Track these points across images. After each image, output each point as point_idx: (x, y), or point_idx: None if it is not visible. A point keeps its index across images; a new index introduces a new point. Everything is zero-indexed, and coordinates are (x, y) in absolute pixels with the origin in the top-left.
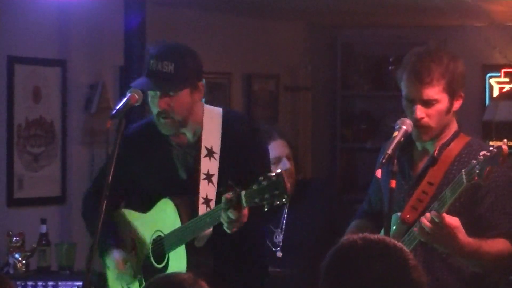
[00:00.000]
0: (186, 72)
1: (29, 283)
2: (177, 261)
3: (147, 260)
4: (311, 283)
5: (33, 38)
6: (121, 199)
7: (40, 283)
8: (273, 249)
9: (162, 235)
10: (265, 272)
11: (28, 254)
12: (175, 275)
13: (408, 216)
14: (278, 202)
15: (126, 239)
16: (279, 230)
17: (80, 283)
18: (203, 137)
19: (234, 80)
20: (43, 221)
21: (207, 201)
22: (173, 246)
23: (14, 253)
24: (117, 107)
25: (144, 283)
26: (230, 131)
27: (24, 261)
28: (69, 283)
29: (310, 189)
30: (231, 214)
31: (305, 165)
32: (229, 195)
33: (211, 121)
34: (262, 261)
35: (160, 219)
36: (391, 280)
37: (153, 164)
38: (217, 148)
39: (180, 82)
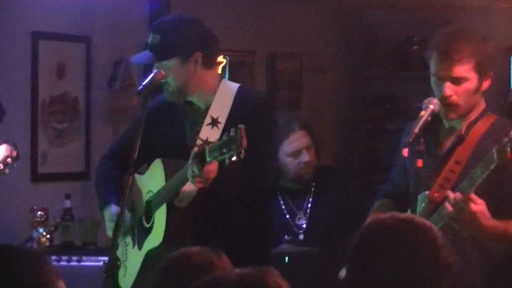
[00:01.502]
0: (173, 42)
1: (53, 257)
2: (159, 220)
3: (140, 220)
4: (334, 264)
5: (57, 14)
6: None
7: (64, 257)
8: (295, 230)
9: (152, 194)
10: (257, 256)
11: (52, 228)
12: (194, 253)
13: (436, 195)
14: (235, 157)
15: (128, 202)
16: (302, 212)
17: (104, 258)
18: (212, 106)
19: (257, 59)
20: (68, 196)
21: None
22: (158, 205)
23: (38, 228)
24: (143, 84)
25: (136, 242)
26: (240, 105)
27: (48, 236)
28: (93, 258)
29: (334, 175)
30: (195, 168)
31: (327, 148)
32: (195, 149)
33: (224, 93)
34: (255, 241)
35: (151, 179)
36: (419, 258)
37: (168, 133)
38: (222, 119)
39: (164, 52)
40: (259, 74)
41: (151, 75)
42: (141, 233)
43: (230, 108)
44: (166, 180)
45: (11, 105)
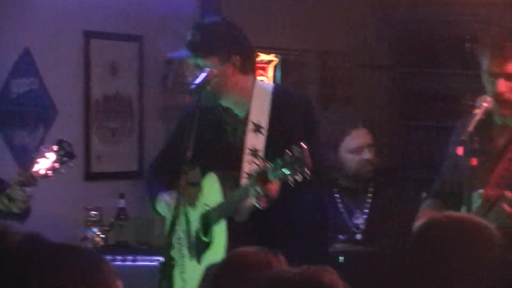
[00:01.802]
0: (213, 41)
1: (108, 257)
2: (219, 235)
3: (197, 234)
4: (391, 265)
5: (109, 13)
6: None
7: (118, 257)
8: (353, 229)
9: (208, 208)
10: (318, 255)
11: (106, 228)
12: (248, 253)
13: (491, 193)
14: (299, 177)
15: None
16: (359, 211)
17: (158, 258)
18: (251, 112)
19: (309, 57)
20: (122, 196)
21: (250, 176)
22: (216, 220)
23: (92, 227)
24: (196, 82)
25: (195, 256)
26: (279, 107)
27: (102, 235)
28: (147, 257)
29: (393, 175)
30: (258, 188)
31: (381, 146)
32: (257, 169)
33: (261, 97)
34: (313, 242)
35: (207, 193)
36: (476, 257)
37: (209, 137)
38: (264, 123)
39: (204, 50)
40: (311, 72)
41: (204, 74)
42: (199, 246)
43: (269, 111)
44: (224, 196)
45: (64, 105)
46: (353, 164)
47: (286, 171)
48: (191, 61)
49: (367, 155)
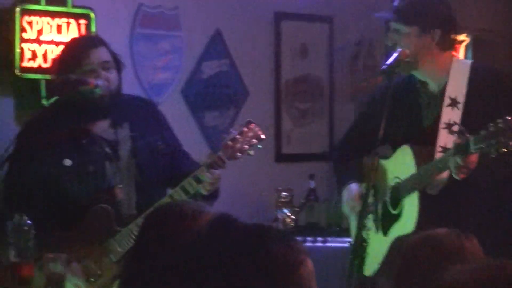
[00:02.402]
0: (415, 11)
1: (298, 238)
2: (410, 208)
3: (385, 206)
4: None
5: None
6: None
7: (308, 238)
8: None
9: (399, 181)
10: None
11: (297, 209)
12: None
13: None
14: (504, 149)
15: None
16: None
17: (348, 239)
18: (448, 87)
19: (499, 37)
20: (311, 177)
21: (445, 150)
22: (408, 193)
23: (282, 208)
24: (387, 63)
25: (381, 229)
26: (477, 82)
27: (293, 217)
28: (338, 239)
29: None
30: (458, 159)
31: None
32: (457, 140)
33: (458, 72)
34: (504, 226)
35: (399, 165)
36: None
37: (402, 113)
38: (461, 98)
39: (406, 17)
40: (501, 53)
41: (395, 54)
42: (386, 219)
43: (467, 86)
44: (417, 168)
45: (255, 86)
46: None
47: (490, 142)
48: (393, 26)
49: None
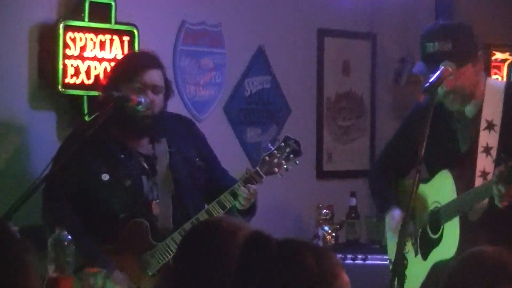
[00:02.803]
0: (465, 46)
1: (338, 255)
2: (451, 232)
3: (424, 230)
4: None
5: (343, 11)
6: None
7: (349, 256)
8: None
9: (439, 206)
10: None
11: (337, 226)
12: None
13: None
14: None
15: (403, 208)
16: None
17: (389, 257)
18: (484, 110)
19: None
20: (353, 194)
21: (484, 174)
22: (448, 218)
23: (323, 225)
24: (430, 81)
25: (420, 252)
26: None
27: (333, 234)
28: (378, 256)
29: None
30: (502, 188)
31: None
32: (501, 168)
33: (493, 94)
34: None
35: (438, 190)
36: None
37: (436, 136)
38: (497, 121)
39: (461, 57)
40: None
41: (438, 72)
42: (425, 243)
43: (502, 108)
44: (458, 193)
45: (297, 103)
46: None
47: None
48: (441, 66)
49: None
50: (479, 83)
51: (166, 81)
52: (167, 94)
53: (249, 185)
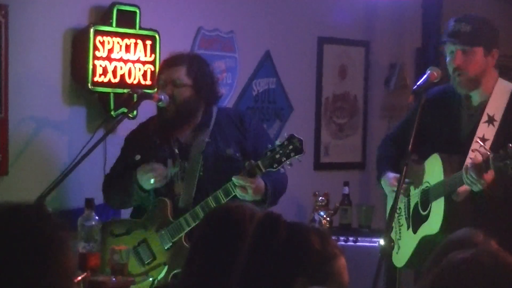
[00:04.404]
0: (481, 33)
1: (332, 237)
2: (437, 211)
3: (416, 206)
4: None
5: (341, 21)
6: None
7: (341, 238)
8: None
9: (429, 186)
10: None
11: (332, 212)
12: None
13: None
14: None
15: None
16: None
17: (377, 239)
18: (489, 104)
19: None
20: (346, 184)
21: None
22: (436, 197)
23: (319, 211)
24: (418, 83)
25: (412, 227)
26: None
27: (328, 218)
28: (367, 239)
29: None
30: (473, 175)
31: None
32: (477, 158)
33: (500, 92)
34: None
35: (429, 171)
36: None
37: (443, 125)
38: (498, 117)
39: (474, 40)
40: None
41: (425, 75)
42: (416, 218)
43: (505, 106)
44: (445, 175)
45: (299, 102)
46: None
47: (507, 162)
48: (450, 48)
49: None
50: (487, 74)
51: (195, 75)
52: (197, 87)
53: (249, 178)
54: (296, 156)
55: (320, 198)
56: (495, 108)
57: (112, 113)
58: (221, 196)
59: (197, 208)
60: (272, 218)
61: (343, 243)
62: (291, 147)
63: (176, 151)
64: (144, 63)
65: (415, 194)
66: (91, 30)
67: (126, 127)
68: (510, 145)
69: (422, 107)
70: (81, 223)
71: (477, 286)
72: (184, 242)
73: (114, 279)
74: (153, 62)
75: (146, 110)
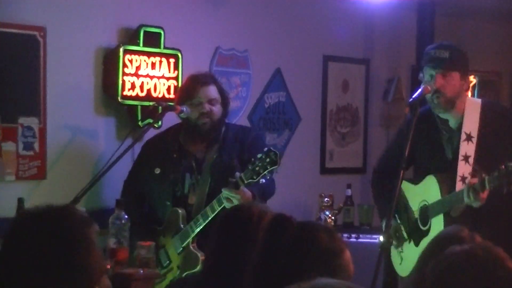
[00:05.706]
0: (458, 59)
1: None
2: (437, 226)
3: (415, 223)
4: None
5: (343, 41)
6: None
7: (345, 235)
8: None
9: (427, 204)
10: None
11: (336, 211)
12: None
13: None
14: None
15: (401, 204)
16: None
17: (377, 236)
18: (464, 123)
19: (503, 78)
20: (349, 186)
21: (463, 179)
22: (435, 214)
23: (325, 211)
24: (413, 97)
25: (414, 241)
26: (487, 118)
27: (332, 217)
28: (368, 236)
29: None
30: (472, 194)
31: None
32: (472, 180)
33: (471, 110)
34: None
35: (426, 191)
36: None
37: (427, 145)
38: (475, 133)
39: (453, 65)
40: (504, 92)
41: (420, 90)
42: (417, 233)
43: (479, 121)
44: (442, 194)
45: (306, 113)
46: None
47: (502, 182)
48: (430, 72)
49: None
50: (462, 97)
51: (222, 93)
52: (224, 103)
53: (235, 189)
54: (272, 168)
55: (326, 199)
56: (470, 125)
57: (139, 123)
58: (215, 205)
59: (198, 216)
60: (284, 218)
61: (346, 239)
62: (268, 160)
63: (193, 165)
64: (168, 78)
65: (414, 211)
66: (121, 50)
67: (151, 136)
68: (503, 166)
69: (418, 118)
70: (112, 221)
71: (472, 275)
72: (190, 247)
73: (141, 271)
74: (176, 78)
75: (170, 120)
